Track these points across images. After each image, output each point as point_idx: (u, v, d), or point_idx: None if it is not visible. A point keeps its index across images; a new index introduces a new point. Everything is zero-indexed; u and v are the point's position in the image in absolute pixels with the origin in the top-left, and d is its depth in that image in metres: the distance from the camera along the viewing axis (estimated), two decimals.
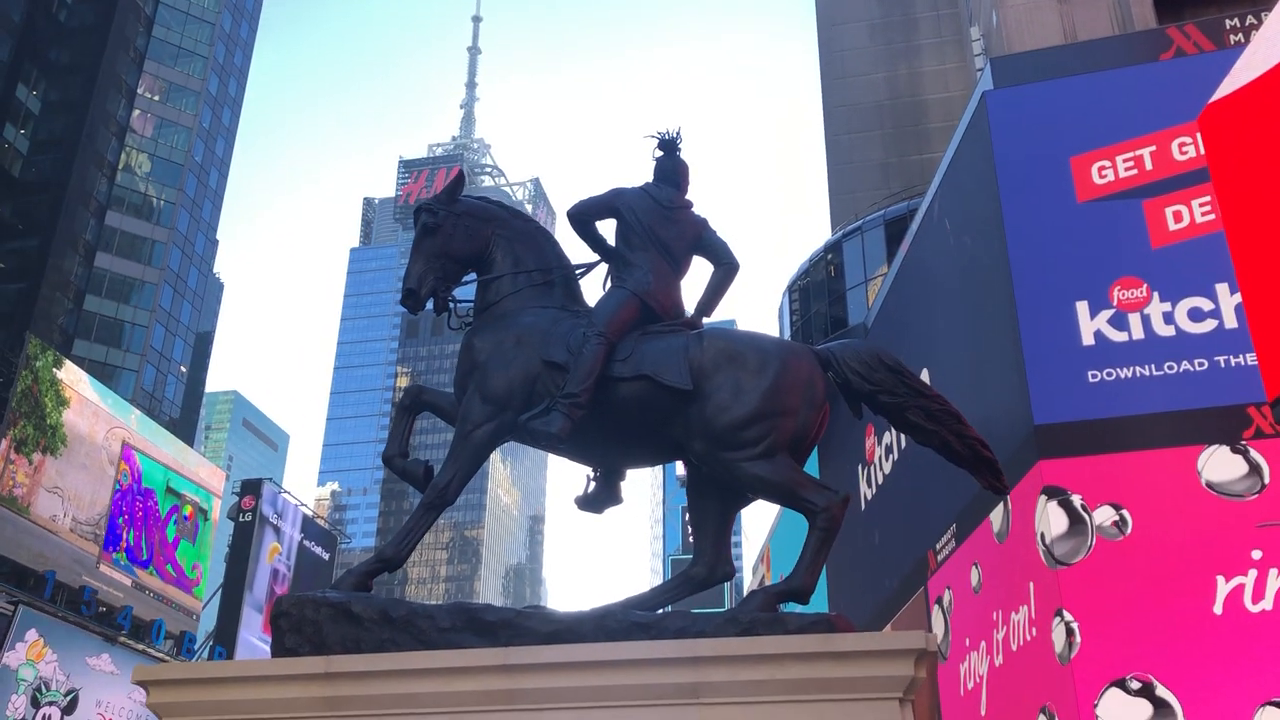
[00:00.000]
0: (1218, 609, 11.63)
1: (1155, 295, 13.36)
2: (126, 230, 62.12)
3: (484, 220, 6.53)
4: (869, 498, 20.30)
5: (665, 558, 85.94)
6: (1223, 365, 12.73)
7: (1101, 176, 14.28)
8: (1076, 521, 12.46)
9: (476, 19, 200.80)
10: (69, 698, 34.33)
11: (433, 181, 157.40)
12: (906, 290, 20.02)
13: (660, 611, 5.79)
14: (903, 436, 15.67)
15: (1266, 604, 11.50)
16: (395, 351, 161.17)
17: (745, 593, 6.16)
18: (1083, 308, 13.54)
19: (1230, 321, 12.79)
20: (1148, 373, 13.03)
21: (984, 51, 30.88)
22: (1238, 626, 11.49)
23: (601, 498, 6.42)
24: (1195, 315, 13.11)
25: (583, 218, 6.58)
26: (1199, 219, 13.38)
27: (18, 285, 54.54)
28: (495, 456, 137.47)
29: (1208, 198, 13.07)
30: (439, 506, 5.96)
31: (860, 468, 20.89)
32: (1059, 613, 12.11)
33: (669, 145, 6.65)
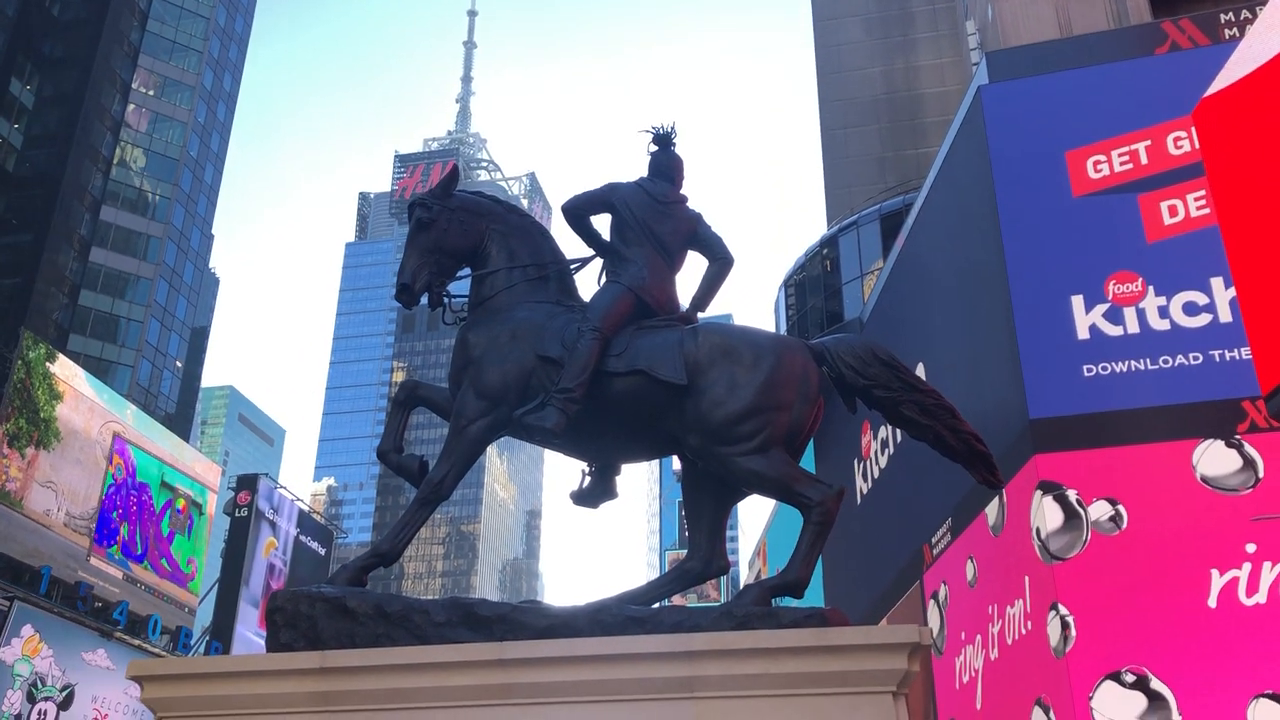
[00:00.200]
0: (1212, 602, 11.66)
1: (1150, 289, 13.38)
2: (121, 225, 62.00)
3: (478, 215, 6.53)
4: (864, 492, 20.33)
5: (661, 552, 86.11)
6: (1217, 359, 12.75)
7: (1096, 171, 14.29)
8: (1071, 516, 12.49)
9: (472, 13, 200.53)
10: (65, 693, 34.31)
11: (428, 176, 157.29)
12: (902, 285, 20.04)
13: (655, 606, 5.80)
14: (898, 431, 15.69)
15: (1260, 597, 11.53)
16: (391, 346, 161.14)
17: (741, 587, 6.17)
18: (1078, 302, 13.56)
19: (1225, 315, 12.81)
20: (1143, 367, 13.05)
21: (979, 46, 30.89)
22: (1232, 619, 11.53)
23: (597, 493, 6.42)
24: (1190, 309, 13.12)
25: (578, 213, 6.58)
26: (1194, 213, 13.40)
27: (12, 280, 54.46)
28: (491, 451, 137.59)
29: (1202, 192, 13.08)
30: (434, 501, 5.96)
31: (856, 462, 20.91)
32: (1054, 606, 12.14)
33: (663, 140, 6.65)
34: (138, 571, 40.05)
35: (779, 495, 5.85)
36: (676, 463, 6.54)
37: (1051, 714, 12.07)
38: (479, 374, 6.03)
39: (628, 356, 5.91)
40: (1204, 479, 12.27)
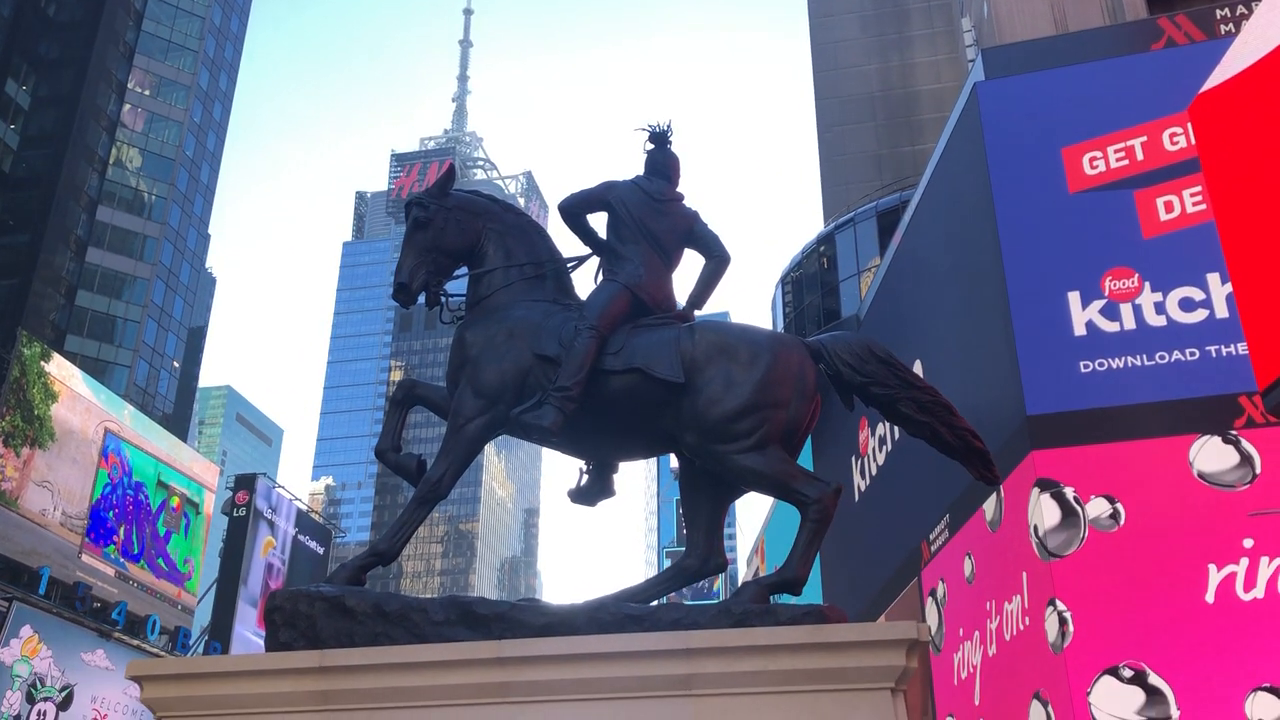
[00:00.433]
0: (1209, 597, 11.68)
1: (1147, 285, 13.40)
2: (118, 225, 61.92)
3: (475, 214, 6.54)
4: (862, 489, 20.34)
5: (660, 550, 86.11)
6: (1214, 355, 12.76)
7: (1093, 167, 14.30)
8: (1069, 514, 12.50)
9: (468, 12, 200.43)
10: (64, 693, 34.31)
11: (425, 175, 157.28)
12: (899, 282, 20.05)
13: (654, 604, 5.80)
14: (896, 428, 15.71)
15: (1258, 592, 11.55)
16: (389, 345, 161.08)
17: (739, 584, 6.19)
18: (1074, 298, 13.57)
19: (1221, 311, 12.83)
20: (1139, 363, 13.07)
21: (975, 43, 30.91)
22: (1229, 614, 11.55)
23: (594, 491, 6.42)
24: (1187, 305, 13.14)
25: (574, 211, 6.58)
26: (1190, 209, 13.41)
27: (9, 281, 54.36)
28: (489, 449, 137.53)
29: (1199, 188, 13.09)
30: (432, 500, 5.97)
31: (854, 459, 20.93)
32: (1052, 602, 12.16)
33: (660, 138, 6.66)
34: (134, 571, 40.02)
35: (776, 493, 5.86)
36: (674, 460, 6.54)
37: (1050, 709, 12.09)
38: (476, 373, 6.03)
39: (625, 355, 5.92)
40: (1201, 475, 12.29)
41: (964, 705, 14.59)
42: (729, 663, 5.04)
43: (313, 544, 51.04)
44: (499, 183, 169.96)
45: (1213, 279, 12.98)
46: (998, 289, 14.22)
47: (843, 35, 53.43)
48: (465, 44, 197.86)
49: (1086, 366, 13.23)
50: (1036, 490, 12.73)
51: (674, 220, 6.47)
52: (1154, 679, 11.48)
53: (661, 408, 5.83)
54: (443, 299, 6.48)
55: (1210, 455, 12.33)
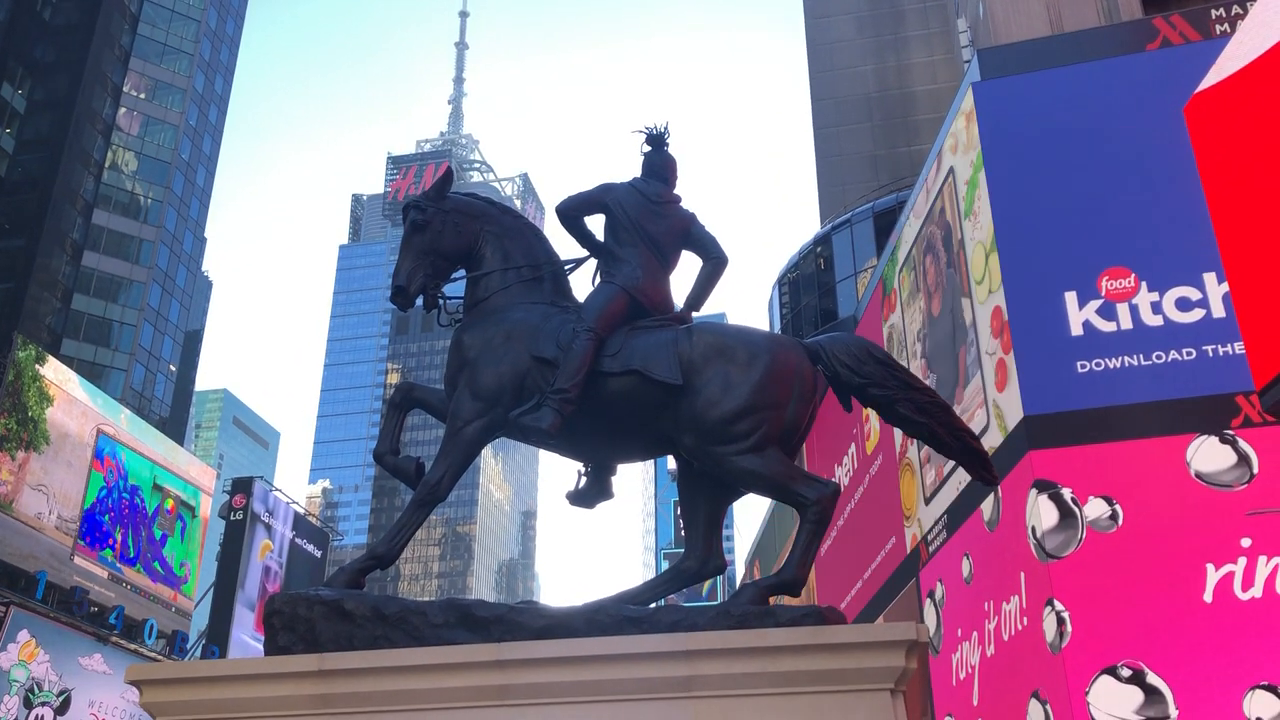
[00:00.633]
0: (1208, 597, 11.69)
1: (1143, 285, 13.40)
2: (114, 229, 61.89)
3: (473, 217, 6.54)
4: (862, 489, 20.35)
5: (657, 551, 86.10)
6: (1211, 354, 12.77)
7: (1089, 167, 14.31)
8: (1067, 515, 12.51)
9: (464, 14, 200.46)
10: (61, 698, 34.25)
11: (421, 177, 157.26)
12: None
13: (653, 605, 5.80)
14: (895, 430, 15.72)
15: (1256, 591, 11.56)
16: (385, 348, 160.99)
17: (737, 586, 6.19)
18: (1071, 298, 13.58)
19: (1218, 310, 12.84)
20: (1136, 363, 13.08)
21: (971, 43, 30.91)
22: (1227, 614, 11.56)
23: (593, 493, 6.42)
24: (1183, 305, 13.15)
25: (572, 213, 6.58)
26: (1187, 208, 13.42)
27: (4, 286, 54.32)
28: (487, 452, 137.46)
29: None
30: (431, 503, 5.97)
31: (851, 459, 20.93)
32: (1050, 602, 12.16)
33: (657, 140, 6.66)
34: (130, 574, 39.96)
35: (775, 494, 5.86)
36: (671, 462, 6.54)
37: (1048, 708, 12.10)
38: (474, 375, 6.03)
39: (623, 357, 5.92)
40: (1199, 475, 12.29)
41: (962, 705, 14.59)
42: (729, 664, 5.04)
43: (310, 547, 51.00)
44: (495, 185, 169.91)
45: (1209, 278, 12.99)
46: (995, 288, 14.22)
47: (839, 36, 53.48)
48: (461, 46, 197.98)
49: (1084, 367, 13.23)
50: (1034, 492, 12.74)
51: (671, 222, 6.47)
52: (1152, 678, 11.49)
53: (660, 409, 5.83)
54: (440, 302, 6.48)
55: (1208, 455, 12.34)
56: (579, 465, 6.46)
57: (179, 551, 43.35)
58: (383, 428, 6.43)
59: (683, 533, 6.35)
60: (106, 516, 39.09)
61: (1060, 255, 13.89)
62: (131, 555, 40.30)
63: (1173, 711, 11.30)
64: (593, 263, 6.59)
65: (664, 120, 6.70)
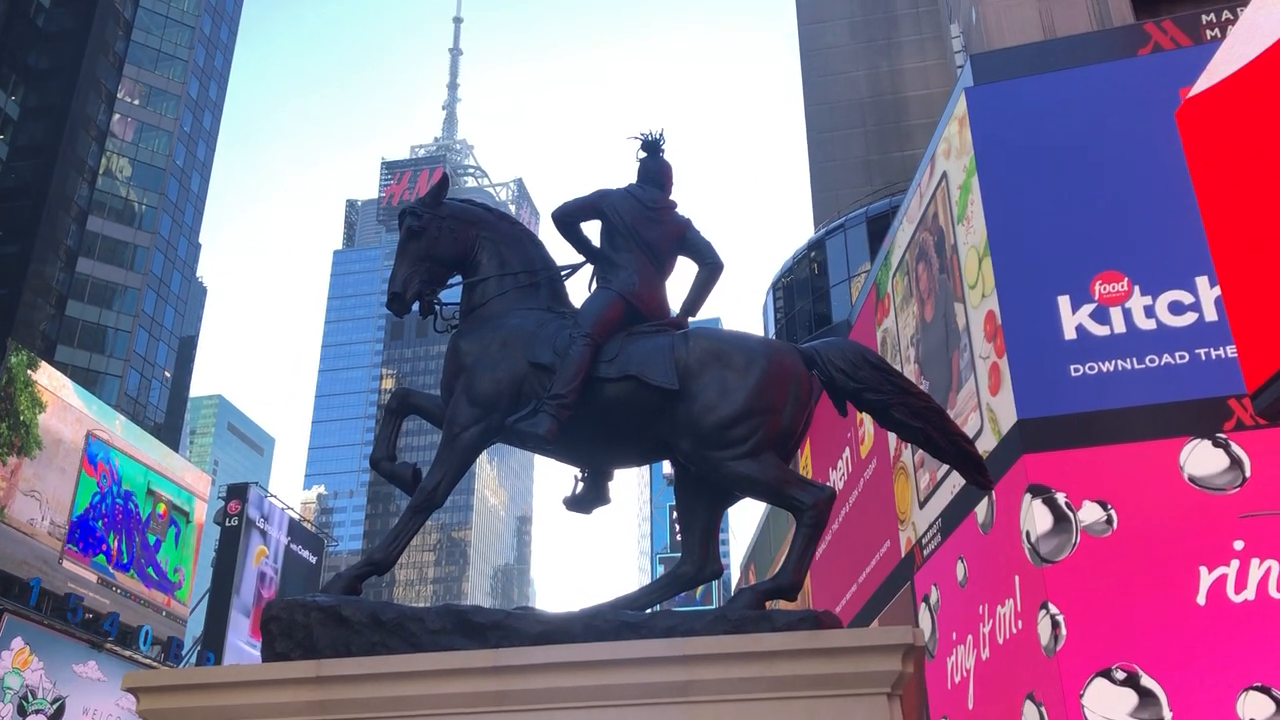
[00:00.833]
0: (1201, 599, 11.73)
1: (1136, 289, 13.46)
2: (108, 235, 61.83)
3: (468, 223, 6.54)
4: (857, 493, 20.37)
5: (653, 556, 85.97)
6: (1203, 358, 12.82)
7: (1082, 172, 14.36)
8: (1061, 520, 12.54)
9: (458, 20, 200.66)
10: (56, 705, 34.18)
11: (415, 183, 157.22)
12: None
13: (649, 610, 5.81)
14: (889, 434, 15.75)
15: (1249, 593, 11.60)
16: (380, 354, 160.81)
17: (732, 590, 6.21)
18: (1064, 302, 13.62)
19: (1210, 314, 12.89)
20: (1129, 366, 13.12)
21: (964, 48, 30.99)
22: (1220, 616, 11.60)
23: (589, 498, 6.43)
24: (1176, 308, 13.20)
25: (567, 219, 6.59)
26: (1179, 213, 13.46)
27: None
28: (482, 458, 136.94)
29: None
30: (427, 509, 5.97)
31: (847, 463, 20.96)
32: (1044, 606, 12.19)
33: (652, 146, 6.68)
34: (123, 580, 39.83)
35: (771, 499, 5.88)
36: (666, 467, 6.56)
37: (1043, 711, 12.13)
38: (471, 381, 6.04)
39: (619, 362, 5.93)
40: (1191, 478, 12.34)
41: (958, 709, 14.61)
42: (726, 669, 5.05)
43: (305, 553, 50.94)
44: (490, 190, 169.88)
45: (1201, 282, 13.05)
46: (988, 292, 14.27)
47: (832, 41, 53.56)
48: (455, 52, 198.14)
49: (1077, 370, 13.28)
50: (1028, 497, 12.77)
51: (667, 228, 6.49)
52: (1146, 680, 11.52)
53: (656, 415, 5.85)
54: (437, 308, 6.49)
55: (1200, 459, 12.38)
56: (576, 470, 6.48)
57: (173, 557, 43.26)
58: (379, 434, 6.44)
59: (679, 538, 6.37)
60: (100, 522, 38.99)
61: (1053, 259, 13.94)
62: (125, 561, 40.20)
63: (1167, 714, 11.33)
64: (589, 268, 6.61)
65: (659, 127, 6.72)
